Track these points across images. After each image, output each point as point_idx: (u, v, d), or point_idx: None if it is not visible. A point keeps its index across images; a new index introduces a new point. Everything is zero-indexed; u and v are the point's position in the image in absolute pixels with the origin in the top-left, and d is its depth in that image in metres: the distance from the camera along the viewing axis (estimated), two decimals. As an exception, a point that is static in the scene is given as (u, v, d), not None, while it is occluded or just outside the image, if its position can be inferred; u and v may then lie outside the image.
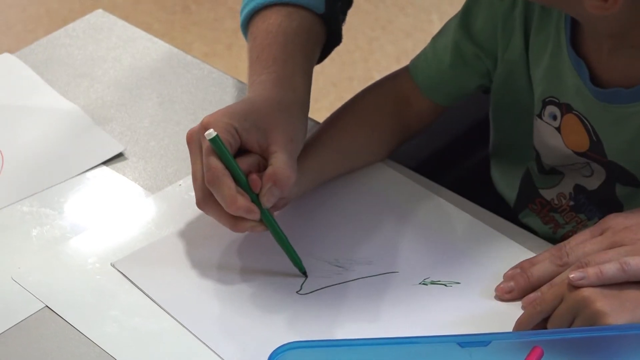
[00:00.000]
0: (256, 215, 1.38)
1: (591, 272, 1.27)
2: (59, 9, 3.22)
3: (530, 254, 1.40)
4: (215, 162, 1.37)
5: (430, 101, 1.60)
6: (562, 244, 1.36)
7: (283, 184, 1.38)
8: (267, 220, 1.40)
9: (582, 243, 1.35)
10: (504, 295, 1.36)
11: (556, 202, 1.55)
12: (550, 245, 1.41)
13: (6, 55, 1.83)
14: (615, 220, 1.35)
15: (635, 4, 1.31)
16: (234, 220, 1.39)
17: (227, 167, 1.37)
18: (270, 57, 1.51)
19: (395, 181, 1.55)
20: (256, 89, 1.48)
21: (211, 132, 1.35)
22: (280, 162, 1.39)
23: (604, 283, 1.27)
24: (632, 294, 1.29)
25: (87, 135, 1.66)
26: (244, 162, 1.40)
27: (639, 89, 1.40)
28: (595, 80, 1.43)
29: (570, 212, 1.54)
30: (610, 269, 1.27)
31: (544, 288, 1.32)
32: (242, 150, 1.42)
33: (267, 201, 1.38)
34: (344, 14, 1.62)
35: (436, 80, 1.59)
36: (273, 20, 1.55)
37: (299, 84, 1.49)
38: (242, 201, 1.36)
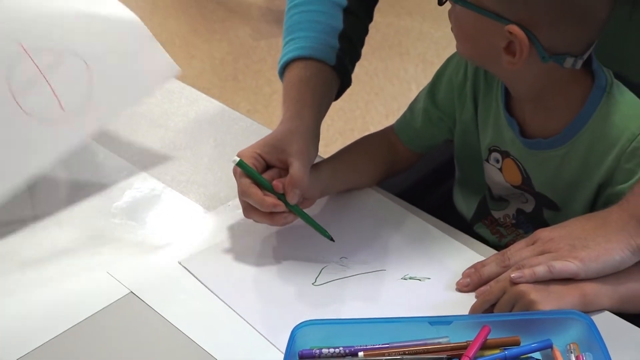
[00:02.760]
0: (282, 207, 1.39)
1: (527, 272, 1.27)
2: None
3: (481, 258, 1.39)
4: (244, 180, 1.40)
5: (410, 150, 1.60)
6: (504, 251, 1.36)
7: (299, 184, 1.39)
8: (295, 210, 1.41)
9: (519, 250, 1.34)
10: (462, 288, 1.35)
11: (502, 220, 1.54)
12: (495, 252, 1.39)
13: None
14: (543, 234, 1.34)
15: (537, 68, 1.32)
16: (271, 216, 1.41)
17: (254, 180, 1.40)
18: (288, 99, 1.52)
19: (384, 204, 1.54)
20: (279, 124, 1.49)
21: (235, 159, 1.40)
22: (295, 168, 1.40)
23: (535, 281, 1.27)
24: (556, 288, 1.29)
25: (149, 52, 1.56)
26: (269, 174, 1.42)
27: (554, 140, 1.39)
28: (523, 133, 1.42)
29: (511, 227, 1.53)
30: (541, 270, 1.27)
31: (492, 283, 1.31)
32: (270, 167, 1.43)
33: (291, 199, 1.40)
34: (352, 66, 1.61)
35: (413, 137, 1.59)
36: (294, 72, 1.55)
37: (307, 115, 1.49)
38: (269, 199, 1.39)
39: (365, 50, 1.64)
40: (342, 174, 1.53)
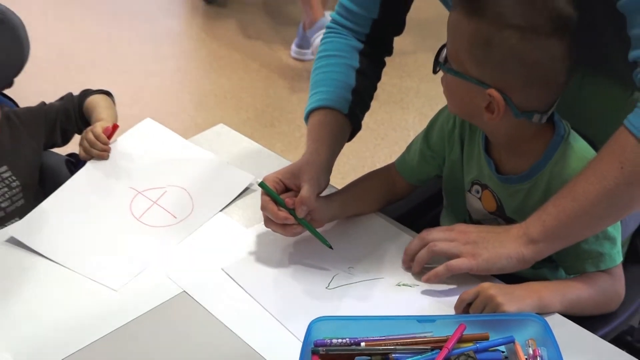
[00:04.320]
0: (292, 220, 1.40)
1: (431, 273, 1.34)
2: (202, 123, 3.22)
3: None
4: (264, 197, 1.42)
5: (407, 182, 1.58)
6: (426, 229, 1.39)
7: (306, 202, 1.40)
8: (302, 223, 1.42)
9: (437, 231, 1.37)
10: (403, 264, 1.41)
11: None
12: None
13: (149, 120, 1.77)
14: (460, 227, 1.38)
15: (510, 122, 1.32)
16: (283, 227, 1.42)
17: (273, 198, 1.41)
18: (310, 139, 1.53)
19: (384, 226, 1.52)
20: (301, 157, 1.50)
21: (258, 181, 1.43)
22: (304, 190, 1.41)
23: (440, 279, 1.34)
24: (518, 293, 1.29)
25: (226, 173, 1.65)
26: (287, 196, 1.42)
27: (521, 176, 1.39)
28: (498, 170, 1.42)
29: None
30: (441, 270, 1.33)
31: (470, 291, 1.30)
32: (289, 190, 1.44)
33: (299, 213, 1.40)
34: (362, 114, 1.60)
35: (410, 172, 1.57)
36: (315, 118, 1.56)
37: (323, 152, 1.49)
38: (282, 213, 1.40)
39: (374, 105, 1.64)
40: (350, 204, 1.52)
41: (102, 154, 1.65)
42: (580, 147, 1.36)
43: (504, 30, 1.23)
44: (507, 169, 1.41)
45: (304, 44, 3.66)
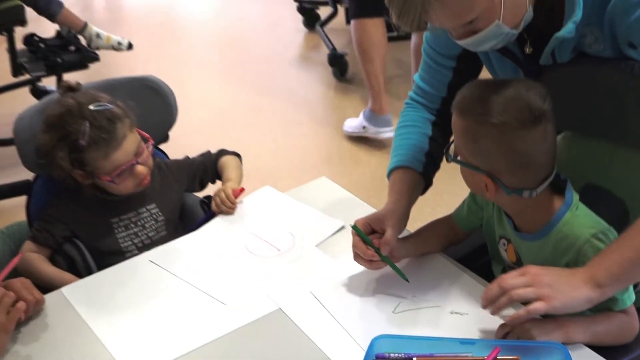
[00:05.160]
0: (377, 257, 1.46)
1: (515, 316, 1.28)
2: (326, 175, 3.29)
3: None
4: (355, 237, 1.48)
5: (461, 230, 1.62)
6: (502, 277, 1.31)
7: (389, 244, 1.45)
8: (385, 260, 1.46)
9: (512, 278, 1.29)
10: (487, 310, 1.32)
11: None
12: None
13: (268, 187, 1.84)
14: (532, 269, 1.30)
15: (508, 198, 1.35)
16: (369, 262, 1.47)
17: (362, 239, 1.46)
18: (391, 191, 1.58)
19: (445, 264, 1.55)
20: (384, 206, 1.55)
21: (352, 224, 1.48)
22: (388, 234, 1.46)
23: (521, 321, 1.28)
24: (549, 325, 1.31)
25: (321, 221, 1.71)
26: (373, 237, 1.48)
27: (533, 235, 1.40)
28: (517, 229, 1.44)
29: None
30: (522, 314, 1.27)
31: (507, 320, 1.31)
32: (374, 232, 1.49)
33: (384, 251, 1.45)
34: (433, 173, 1.65)
35: (462, 221, 1.60)
36: (396, 176, 1.61)
37: (402, 202, 1.54)
38: (369, 252, 1.45)
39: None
40: (420, 245, 1.56)
41: (230, 211, 1.75)
42: (584, 216, 1.37)
43: (485, 127, 1.29)
44: (523, 228, 1.43)
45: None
